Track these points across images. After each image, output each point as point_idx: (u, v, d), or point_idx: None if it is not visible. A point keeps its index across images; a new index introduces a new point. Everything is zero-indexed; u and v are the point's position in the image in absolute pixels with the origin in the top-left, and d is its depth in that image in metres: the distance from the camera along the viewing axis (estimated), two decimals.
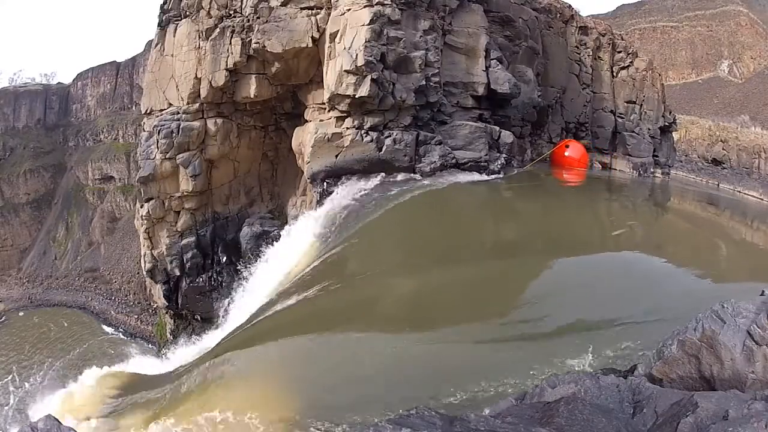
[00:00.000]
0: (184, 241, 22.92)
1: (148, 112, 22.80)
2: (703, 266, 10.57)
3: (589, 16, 37.57)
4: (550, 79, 26.40)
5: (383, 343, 7.34)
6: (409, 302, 8.93)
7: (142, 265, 24.85)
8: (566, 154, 26.05)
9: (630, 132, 29.48)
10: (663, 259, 11.02)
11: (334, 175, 17.50)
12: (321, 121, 18.37)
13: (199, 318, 24.12)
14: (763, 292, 4.24)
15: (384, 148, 17.18)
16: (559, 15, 27.68)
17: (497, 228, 14.04)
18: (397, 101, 17.20)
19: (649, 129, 29.69)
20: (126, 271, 54.44)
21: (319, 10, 19.19)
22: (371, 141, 17.12)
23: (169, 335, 26.14)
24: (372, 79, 16.38)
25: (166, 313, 25.68)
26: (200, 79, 20.80)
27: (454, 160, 18.06)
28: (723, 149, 51.78)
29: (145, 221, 22.70)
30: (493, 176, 18.41)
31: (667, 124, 30.99)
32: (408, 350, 7.02)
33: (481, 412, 4.17)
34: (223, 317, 17.09)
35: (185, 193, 22.10)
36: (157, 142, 21.31)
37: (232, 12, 20.65)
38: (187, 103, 21.28)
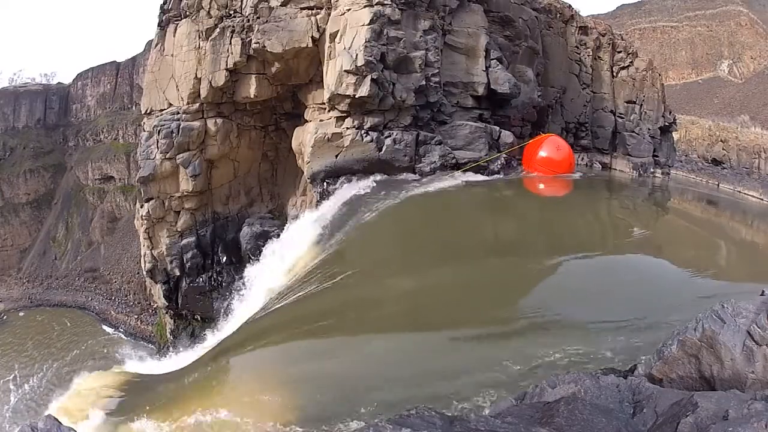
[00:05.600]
0: (184, 241, 22.93)
1: (148, 112, 22.80)
2: (703, 266, 10.56)
3: (589, 16, 37.59)
4: (550, 79, 26.40)
5: (383, 343, 7.34)
6: (408, 302, 8.92)
7: (142, 265, 24.86)
8: (542, 154, 19.27)
9: (630, 132, 29.48)
10: (663, 259, 11.02)
11: (334, 175, 17.50)
12: (321, 121, 18.38)
13: (199, 318, 24.13)
14: (763, 292, 4.24)
15: (384, 148, 17.19)
16: (559, 15, 27.69)
17: (497, 228, 14.04)
18: (397, 101, 17.20)
19: (649, 129, 29.70)
20: (126, 271, 54.42)
21: (319, 10, 19.19)
22: (371, 141, 17.13)
23: (169, 335, 26.14)
24: (372, 79, 16.38)
25: (166, 313, 25.68)
26: (200, 79, 20.81)
27: (454, 160, 18.07)
28: (723, 149, 51.81)
29: (145, 221, 22.70)
30: (494, 176, 18.42)
31: (667, 124, 30.99)
32: (407, 350, 7.02)
33: (481, 412, 4.17)
34: (224, 317, 17.09)
35: (185, 193, 22.11)
36: (157, 142, 21.32)
37: (232, 12, 20.65)
38: (187, 103, 21.29)
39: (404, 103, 17.32)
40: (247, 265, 17.94)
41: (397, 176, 17.32)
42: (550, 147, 19.53)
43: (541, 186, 18.55)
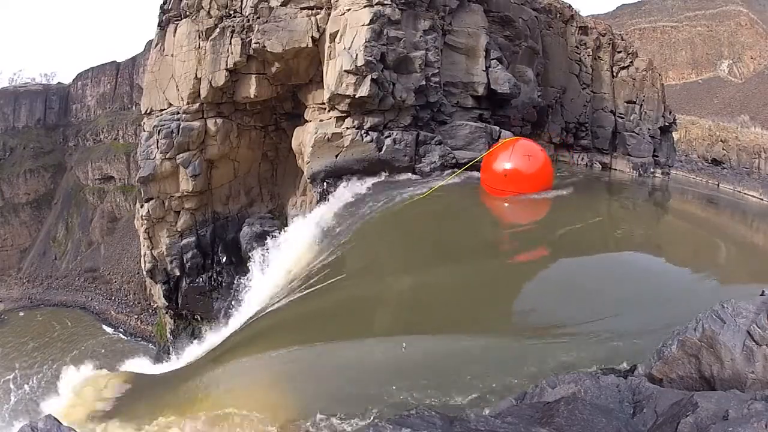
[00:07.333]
0: (184, 241, 22.93)
1: (148, 112, 22.80)
2: (703, 266, 10.56)
3: (589, 16, 37.60)
4: (550, 79, 26.42)
5: (382, 344, 7.34)
6: (408, 302, 8.93)
7: (142, 265, 24.86)
8: (506, 166, 14.30)
9: (630, 132, 29.51)
10: (663, 259, 11.02)
11: (334, 175, 17.51)
12: (321, 121, 18.38)
13: (199, 318, 24.14)
14: (763, 292, 4.24)
15: (384, 148, 17.19)
16: (559, 15, 27.71)
17: (497, 228, 14.04)
18: (397, 101, 17.20)
19: (649, 129, 29.72)
20: (126, 271, 54.46)
21: (319, 10, 19.20)
22: (371, 141, 17.13)
23: (169, 335, 26.15)
24: (372, 79, 16.38)
25: (166, 313, 25.68)
26: (200, 79, 20.81)
27: (454, 160, 18.07)
28: (723, 149, 51.85)
29: (145, 221, 22.71)
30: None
31: (667, 124, 31.02)
32: (407, 350, 7.02)
33: (481, 412, 4.17)
34: (224, 318, 17.09)
35: (185, 193, 22.11)
36: (157, 142, 21.32)
37: (232, 12, 20.65)
38: (187, 103, 21.29)
39: (404, 103, 17.32)
40: (248, 264, 17.93)
41: (397, 176, 17.32)
42: (517, 156, 14.47)
43: (506, 205, 14.47)
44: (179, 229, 22.87)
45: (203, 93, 20.83)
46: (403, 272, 10.30)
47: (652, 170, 29.71)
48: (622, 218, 16.14)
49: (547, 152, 15.80)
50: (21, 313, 55.19)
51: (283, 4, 19.52)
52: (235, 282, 18.39)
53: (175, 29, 21.82)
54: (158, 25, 22.96)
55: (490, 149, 15.75)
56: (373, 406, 5.68)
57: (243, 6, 20.45)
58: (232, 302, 16.03)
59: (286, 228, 17.96)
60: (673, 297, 8.22)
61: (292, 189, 23.42)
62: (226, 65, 20.13)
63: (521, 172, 14.38)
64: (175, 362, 12.81)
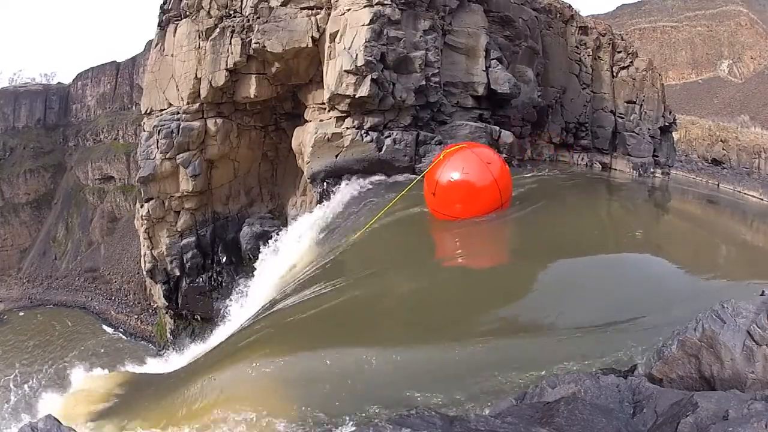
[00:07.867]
0: (184, 241, 22.96)
1: (148, 112, 22.84)
2: (703, 266, 10.55)
3: (589, 16, 37.61)
4: (550, 79, 26.43)
5: (382, 345, 7.34)
6: (408, 303, 8.92)
7: (142, 265, 24.89)
8: (451, 177, 10.96)
9: (630, 132, 29.53)
10: (663, 259, 11.00)
11: (334, 175, 17.53)
12: (321, 121, 18.40)
13: (199, 318, 24.16)
14: (763, 292, 4.23)
15: (384, 148, 17.20)
16: (559, 15, 27.73)
17: (496, 228, 14.02)
18: (397, 101, 17.21)
19: (649, 129, 29.74)
20: (126, 271, 54.43)
21: (319, 10, 19.22)
22: (371, 141, 17.14)
23: (169, 335, 26.17)
24: (372, 79, 16.40)
25: (166, 313, 25.71)
26: (200, 79, 20.84)
27: None
28: (723, 149, 51.86)
29: (145, 221, 22.74)
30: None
31: (667, 124, 31.03)
32: (407, 351, 7.02)
33: (481, 412, 4.17)
34: (224, 318, 17.08)
35: (185, 193, 22.14)
36: (157, 142, 21.36)
37: (232, 12, 20.68)
38: (187, 103, 21.32)
39: (404, 103, 17.34)
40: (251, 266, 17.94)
41: (397, 176, 17.33)
42: (451, 169, 11.01)
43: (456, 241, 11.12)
44: (179, 229, 22.91)
45: (203, 93, 20.85)
46: (404, 272, 10.29)
47: (652, 170, 29.73)
48: (621, 218, 16.13)
49: (504, 162, 12.17)
50: (21, 313, 55.18)
51: (283, 4, 19.54)
52: (234, 283, 18.42)
53: (175, 29, 21.85)
54: (158, 25, 23.00)
55: (434, 160, 12.13)
56: (373, 406, 5.68)
57: (243, 6, 20.47)
58: (231, 303, 16.03)
59: (286, 228, 17.98)
60: (673, 297, 8.20)
61: (292, 189, 23.44)
62: (226, 65, 20.15)
63: (455, 191, 10.93)
64: (174, 363, 12.81)
